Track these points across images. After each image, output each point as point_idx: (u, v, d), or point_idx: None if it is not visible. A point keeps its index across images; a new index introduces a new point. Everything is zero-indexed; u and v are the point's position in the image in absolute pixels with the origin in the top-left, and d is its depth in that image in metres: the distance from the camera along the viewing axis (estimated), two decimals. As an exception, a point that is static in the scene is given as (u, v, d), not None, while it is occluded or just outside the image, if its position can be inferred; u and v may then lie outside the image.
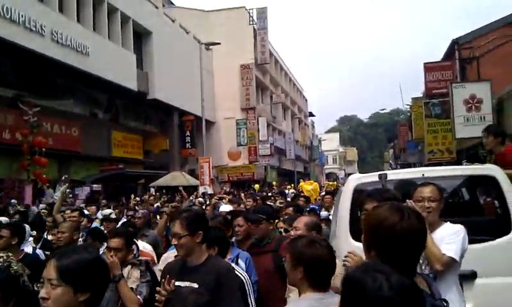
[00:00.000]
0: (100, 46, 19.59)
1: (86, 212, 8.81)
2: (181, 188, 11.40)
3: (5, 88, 16.88)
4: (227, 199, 10.88)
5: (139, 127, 26.35)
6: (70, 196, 14.63)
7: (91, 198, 16.06)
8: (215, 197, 11.82)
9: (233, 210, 6.65)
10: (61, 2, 18.06)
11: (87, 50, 18.39)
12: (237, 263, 3.75)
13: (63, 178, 15.37)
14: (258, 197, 12.59)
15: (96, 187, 18.47)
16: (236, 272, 3.37)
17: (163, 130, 28.63)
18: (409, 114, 36.35)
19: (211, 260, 3.05)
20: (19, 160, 14.60)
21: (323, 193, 13.52)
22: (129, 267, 3.79)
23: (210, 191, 19.31)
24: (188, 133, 29.42)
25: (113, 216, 8.27)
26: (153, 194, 17.75)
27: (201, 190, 18.90)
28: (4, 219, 7.14)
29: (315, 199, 12.76)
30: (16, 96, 16.57)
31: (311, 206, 8.98)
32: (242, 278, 3.42)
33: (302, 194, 13.71)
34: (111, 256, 3.70)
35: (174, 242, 2.99)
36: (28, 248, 5.19)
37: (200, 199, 12.70)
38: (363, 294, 1.32)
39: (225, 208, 7.43)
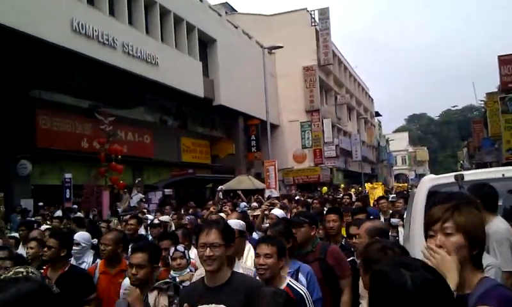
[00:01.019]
0: (168, 55, 20.34)
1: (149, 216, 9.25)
2: (239, 192, 11.51)
3: (82, 99, 17.99)
4: (278, 205, 9.90)
5: (206, 133, 27.05)
6: (144, 199, 15.27)
7: (164, 202, 16.66)
8: (265, 204, 10.97)
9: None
10: (130, 15, 18.97)
11: (156, 60, 19.17)
12: (296, 278, 3.43)
13: (137, 181, 16.11)
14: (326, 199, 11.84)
15: (168, 191, 19.14)
16: (295, 286, 3.15)
17: (229, 134, 29.16)
18: (483, 110, 34.53)
19: (236, 277, 2.72)
20: (97, 167, 15.42)
21: (392, 195, 12.68)
22: (155, 292, 3.25)
23: (276, 194, 19.41)
24: (253, 137, 29.77)
25: (156, 221, 7.64)
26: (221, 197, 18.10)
27: (267, 193, 19.03)
28: (43, 227, 7.18)
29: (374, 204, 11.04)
30: (92, 107, 17.58)
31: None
32: (302, 293, 3.12)
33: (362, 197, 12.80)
34: (132, 280, 3.28)
35: (209, 252, 2.62)
36: (88, 258, 4.91)
37: (255, 203, 12.02)
38: (388, 288, 1.36)
39: (277, 212, 6.85)
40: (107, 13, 17.33)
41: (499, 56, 22.76)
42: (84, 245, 4.93)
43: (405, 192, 17.12)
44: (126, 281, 3.69)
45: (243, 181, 22.37)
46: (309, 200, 13.05)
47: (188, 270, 4.26)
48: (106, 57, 16.51)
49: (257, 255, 3.18)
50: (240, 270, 3.40)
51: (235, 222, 4.38)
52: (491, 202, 3.47)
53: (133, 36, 18.34)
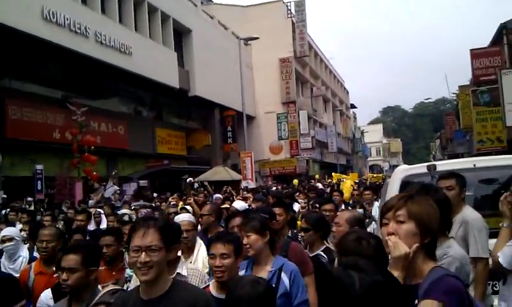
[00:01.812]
0: (142, 45, 20.03)
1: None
2: (206, 183, 11.15)
3: (54, 89, 17.60)
4: (251, 199, 9.39)
5: (182, 124, 26.84)
6: (119, 191, 15.08)
7: (139, 194, 16.50)
8: (237, 197, 10.12)
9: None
10: (103, 3, 18.57)
11: (129, 50, 18.85)
12: (278, 278, 3.01)
13: (113, 173, 15.89)
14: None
15: (143, 182, 18.95)
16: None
17: (205, 126, 29.00)
18: (455, 102, 35.26)
19: (177, 287, 2.28)
20: (69, 159, 15.15)
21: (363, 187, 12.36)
22: None
23: (252, 185, 19.44)
24: (229, 128, 29.70)
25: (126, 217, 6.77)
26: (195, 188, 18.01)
27: (243, 184, 19.05)
28: (19, 227, 6.69)
29: (352, 194, 10.78)
30: (64, 97, 17.23)
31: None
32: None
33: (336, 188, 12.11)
34: (63, 286, 2.76)
35: (145, 258, 2.17)
36: (24, 251, 4.79)
37: (218, 195, 11.26)
38: (335, 290, 1.41)
39: (237, 204, 6.33)
40: (79, 1, 16.95)
41: (471, 50, 23.21)
42: (18, 239, 4.79)
43: (377, 183, 17.21)
44: (44, 295, 3.24)
45: (219, 172, 22.28)
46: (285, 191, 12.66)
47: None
48: (78, 47, 16.16)
49: (212, 256, 2.84)
50: (184, 272, 3.21)
51: (183, 216, 4.23)
52: (465, 191, 3.52)
53: (106, 25, 17.99)
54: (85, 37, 16.53)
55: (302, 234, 4.21)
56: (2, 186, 14.70)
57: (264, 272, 3.00)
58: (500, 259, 2.75)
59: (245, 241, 3.05)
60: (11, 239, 4.72)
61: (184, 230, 3.78)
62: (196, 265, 3.84)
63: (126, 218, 6.38)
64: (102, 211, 8.40)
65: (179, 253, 3.43)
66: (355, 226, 3.52)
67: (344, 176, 16.02)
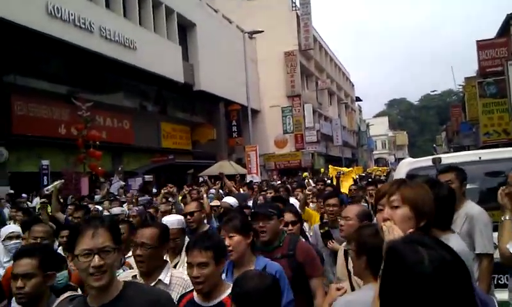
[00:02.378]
0: (147, 40, 20.02)
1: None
2: (206, 178, 11.12)
3: (59, 85, 17.64)
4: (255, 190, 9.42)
5: (187, 118, 26.83)
6: (124, 186, 15.12)
7: (144, 188, 16.53)
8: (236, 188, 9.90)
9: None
10: (108, -2, 18.58)
11: (134, 45, 18.85)
12: None
13: (119, 168, 15.93)
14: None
15: (148, 177, 18.99)
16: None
17: (210, 120, 28.99)
18: (462, 94, 35.04)
19: (129, 291, 2.02)
20: (75, 154, 15.19)
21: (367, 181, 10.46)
22: None
23: (257, 179, 19.44)
24: (234, 122, 29.69)
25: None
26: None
27: (248, 178, 19.05)
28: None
29: (350, 189, 10.00)
30: (69, 93, 17.27)
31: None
32: None
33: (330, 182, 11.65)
34: (19, 296, 2.46)
35: (99, 261, 1.93)
36: None
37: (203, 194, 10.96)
38: (403, 267, 1.27)
39: (230, 200, 5.99)
40: (84, -4, 16.95)
41: (477, 41, 23.03)
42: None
43: (380, 178, 16.74)
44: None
45: (224, 167, 22.29)
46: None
47: (122, 270, 3.52)
48: (83, 42, 16.18)
49: (189, 265, 2.49)
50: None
51: (172, 221, 3.86)
52: (465, 185, 3.48)
53: (110, 19, 17.99)
54: (90, 32, 16.53)
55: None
56: (8, 182, 14.79)
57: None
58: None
59: (227, 243, 2.83)
60: (18, 236, 4.60)
61: (172, 238, 3.41)
62: (183, 268, 3.40)
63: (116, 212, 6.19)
64: (99, 207, 8.24)
65: (165, 257, 3.22)
66: (364, 220, 3.50)
67: (344, 169, 14.15)
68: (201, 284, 2.42)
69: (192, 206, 4.75)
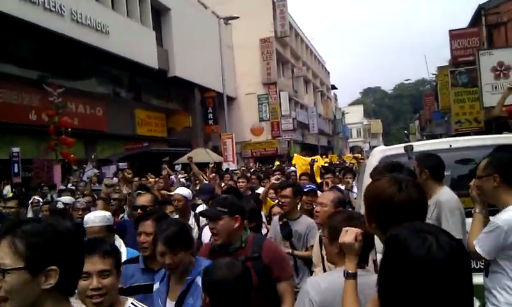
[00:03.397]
0: (119, 24, 19.61)
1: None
2: (165, 166, 9.73)
3: (29, 70, 17.15)
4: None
5: (162, 105, 26.50)
6: (98, 174, 14.88)
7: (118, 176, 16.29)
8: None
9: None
10: (80, -19, 18.07)
11: (106, 29, 18.45)
12: (187, 290, 2.60)
13: (93, 156, 15.66)
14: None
15: (122, 165, 18.67)
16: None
17: (185, 107, 28.71)
18: (435, 83, 35.59)
19: None
20: (46, 141, 14.86)
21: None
22: None
23: (233, 167, 19.41)
24: (210, 109, 29.46)
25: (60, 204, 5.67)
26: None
27: (225, 166, 19.01)
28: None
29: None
30: (40, 78, 16.79)
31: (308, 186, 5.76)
32: None
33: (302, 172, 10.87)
34: None
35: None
36: None
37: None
38: (408, 256, 1.22)
39: (183, 191, 5.44)
40: (54, -22, 16.44)
41: (450, 31, 23.36)
42: None
43: (351, 164, 16.77)
44: None
45: (200, 154, 22.19)
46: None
47: None
48: (53, 25, 15.72)
49: (86, 275, 2.04)
50: None
51: (101, 217, 3.62)
52: (438, 172, 3.54)
53: (82, 3, 17.49)
54: (60, 15, 16.09)
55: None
56: (-23, 169, 14.38)
57: (182, 283, 2.62)
58: (478, 249, 2.73)
59: (168, 260, 2.59)
60: None
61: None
62: None
63: (60, 206, 5.47)
64: (40, 199, 7.93)
65: None
66: (340, 207, 3.54)
67: (305, 159, 12.45)
68: (102, 297, 2.08)
69: (144, 200, 4.27)
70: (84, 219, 3.68)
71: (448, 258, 1.19)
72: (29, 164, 14.73)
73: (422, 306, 1.18)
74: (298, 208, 4.75)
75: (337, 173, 9.29)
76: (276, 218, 4.77)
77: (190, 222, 4.90)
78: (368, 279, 2.04)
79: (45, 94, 15.24)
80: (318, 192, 5.32)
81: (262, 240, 3.20)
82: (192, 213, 5.28)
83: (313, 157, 12.29)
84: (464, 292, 1.21)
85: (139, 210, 4.11)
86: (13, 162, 14.46)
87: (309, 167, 10.89)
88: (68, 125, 14.73)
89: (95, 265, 2.07)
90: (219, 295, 2.06)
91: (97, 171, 14.91)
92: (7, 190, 12.15)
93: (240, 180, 8.70)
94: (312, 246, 4.01)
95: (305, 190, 4.98)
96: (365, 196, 1.97)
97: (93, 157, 15.77)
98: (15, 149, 14.54)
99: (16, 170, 14.42)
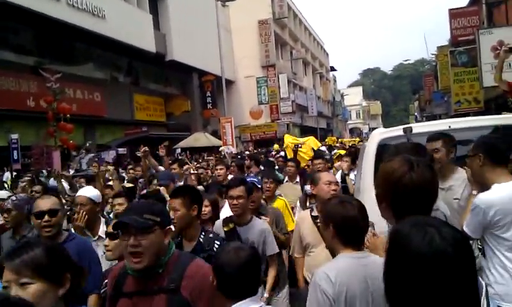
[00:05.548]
0: (116, 8, 19.42)
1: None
2: (162, 148, 8.97)
3: (26, 56, 17.04)
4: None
5: (160, 89, 26.39)
6: (97, 159, 14.88)
7: (118, 162, 16.32)
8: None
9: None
10: (75, -35, 17.84)
11: (103, 13, 18.29)
12: None
13: (88, 144, 15.63)
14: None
15: (121, 150, 18.73)
16: None
17: (184, 91, 28.59)
18: (434, 64, 35.36)
19: None
20: (45, 127, 14.82)
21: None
22: None
23: (233, 151, 19.39)
24: (209, 93, 29.34)
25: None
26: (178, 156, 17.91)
27: (225, 150, 18.99)
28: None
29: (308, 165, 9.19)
30: (37, 64, 16.71)
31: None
32: None
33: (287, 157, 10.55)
34: None
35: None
36: None
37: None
38: (411, 250, 1.21)
39: (89, 192, 4.55)
40: (49, -38, 16.24)
41: (450, 10, 23.12)
42: None
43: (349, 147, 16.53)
44: None
45: (199, 139, 22.21)
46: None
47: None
48: (49, 11, 15.57)
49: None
50: None
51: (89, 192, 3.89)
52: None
53: (78, -13, 17.33)
54: (56, 0, 15.93)
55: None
56: (-24, 156, 14.37)
57: None
58: (465, 229, 2.77)
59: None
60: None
61: None
62: None
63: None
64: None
65: None
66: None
67: (301, 139, 12.18)
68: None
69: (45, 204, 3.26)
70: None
71: (453, 249, 1.19)
72: (28, 150, 14.73)
73: (428, 300, 1.18)
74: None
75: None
76: (218, 222, 3.80)
77: (100, 231, 3.93)
78: (369, 259, 2.15)
79: (42, 81, 15.14)
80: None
81: (187, 262, 2.21)
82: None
83: (298, 143, 11.55)
84: (469, 282, 1.20)
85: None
86: (12, 148, 14.45)
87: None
88: (66, 111, 14.65)
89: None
90: (225, 278, 2.10)
91: (94, 154, 14.91)
92: (6, 176, 12.17)
93: (218, 168, 7.26)
94: (272, 256, 3.71)
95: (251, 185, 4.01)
96: (377, 176, 2.00)
97: (87, 144, 15.73)
98: (14, 136, 14.51)
99: (15, 157, 14.42)
